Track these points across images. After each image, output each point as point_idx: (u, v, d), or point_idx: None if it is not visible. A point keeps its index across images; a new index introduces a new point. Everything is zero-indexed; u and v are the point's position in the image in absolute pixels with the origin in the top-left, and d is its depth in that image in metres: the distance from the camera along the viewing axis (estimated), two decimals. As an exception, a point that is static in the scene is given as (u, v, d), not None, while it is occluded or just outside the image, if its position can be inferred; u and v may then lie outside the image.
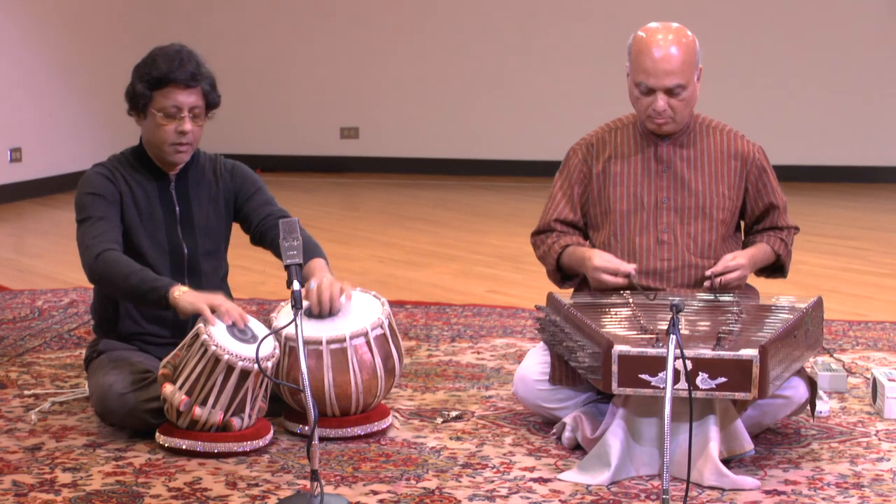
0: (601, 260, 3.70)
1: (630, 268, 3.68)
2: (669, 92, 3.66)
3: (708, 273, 3.69)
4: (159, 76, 3.69)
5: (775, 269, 3.91)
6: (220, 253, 3.96)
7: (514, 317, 5.30)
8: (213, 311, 3.53)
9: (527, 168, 10.19)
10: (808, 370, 4.09)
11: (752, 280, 3.96)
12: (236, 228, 3.98)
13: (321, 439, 3.43)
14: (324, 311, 3.68)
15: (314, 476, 3.06)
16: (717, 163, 3.79)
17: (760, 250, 3.82)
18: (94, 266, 3.65)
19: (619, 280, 3.68)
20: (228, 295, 3.91)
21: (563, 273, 3.91)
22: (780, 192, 3.87)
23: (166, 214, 3.83)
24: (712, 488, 3.25)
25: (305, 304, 3.68)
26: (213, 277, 3.88)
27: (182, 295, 3.55)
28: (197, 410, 3.48)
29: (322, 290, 3.67)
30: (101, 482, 3.33)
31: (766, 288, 3.97)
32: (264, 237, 3.88)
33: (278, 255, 3.75)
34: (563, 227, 3.88)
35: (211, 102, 3.77)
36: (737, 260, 3.70)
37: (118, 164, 3.83)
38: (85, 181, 3.79)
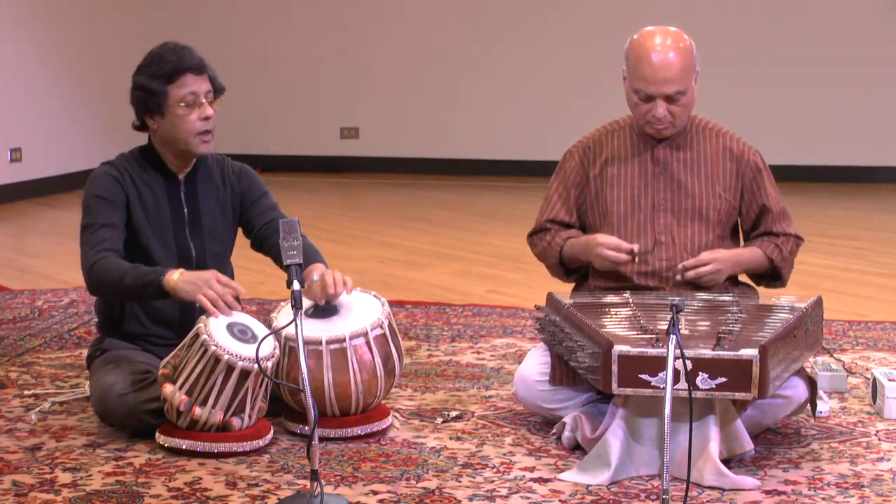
0: (604, 237, 3.71)
1: (632, 245, 3.68)
2: (669, 99, 3.65)
3: (680, 266, 3.68)
4: (172, 68, 3.69)
5: (773, 276, 3.87)
6: (227, 256, 3.96)
7: (514, 317, 5.30)
8: (213, 303, 3.53)
9: (527, 168, 10.19)
10: (808, 370, 4.09)
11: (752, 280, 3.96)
12: (239, 232, 3.98)
13: (321, 439, 3.42)
14: (328, 293, 3.67)
15: (314, 476, 3.06)
16: (713, 164, 3.78)
17: (749, 252, 3.79)
18: (90, 277, 3.66)
19: (622, 256, 3.67)
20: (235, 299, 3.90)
21: (566, 266, 3.91)
22: (776, 197, 3.83)
23: (174, 216, 3.82)
24: (712, 488, 3.25)
25: (306, 303, 3.68)
26: (220, 280, 3.88)
27: (178, 283, 3.55)
28: (197, 410, 3.48)
29: (325, 276, 3.66)
30: (101, 482, 3.33)
31: (765, 287, 3.97)
32: (265, 242, 3.87)
33: (278, 260, 3.76)
34: (558, 228, 3.89)
35: (218, 88, 3.78)
36: (712, 255, 3.68)
37: (126, 164, 3.81)
38: (93, 181, 3.78)
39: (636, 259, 3.70)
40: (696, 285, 3.72)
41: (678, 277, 3.69)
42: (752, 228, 3.85)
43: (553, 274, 3.97)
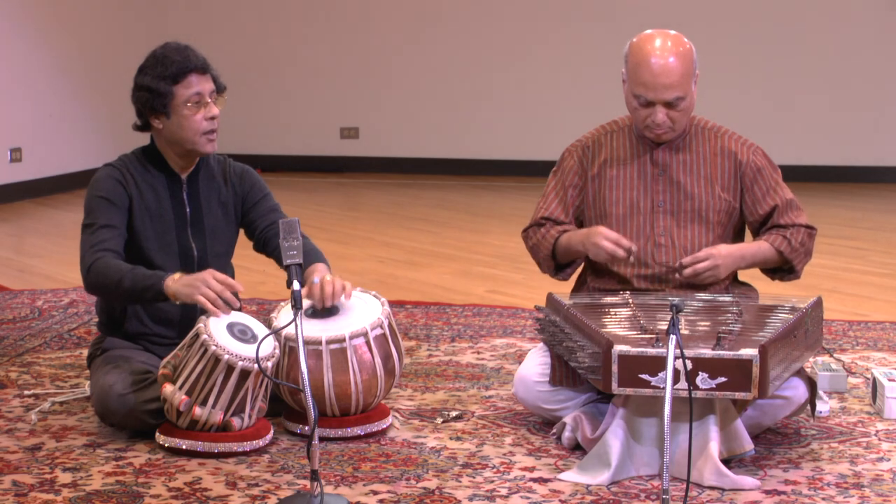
0: (607, 230, 3.68)
1: (632, 244, 3.66)
2: (668, 104, 3.64)
3: (677, 263, 3.66)
4: (178, 69, 3.69)
5: (786, 269, 3.81)
6: (229, 256, 3.96)
7: (514, 317, 5.30)
8: (212, 303, 3.53)
9: (527, 168, 10.19)
10: (808, 370, 4.09)
11: (754, 280, 3.95)
12: (241, 233, 3.98)
13: (321, 439, 3.43)
14: (325, 304, 3.68)
15: (314, 476, 3.06)
16: (711, 165, 3.77)
17: (754, 246, 3.74)
18: (88, 278, 3.65)
19: (619, 251, 3.64)
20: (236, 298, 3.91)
21: (557, 261, 3.89)
22: (782, 192, 3.77)
23: (177, 216, 3.82)
24: (712, 488, 3.25)
25: (306, 303, 3.69)
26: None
27: (177, 286, 3.55)
28: (197, 410, 3.48)
29: (325, 285, 3.67)
30: (101, 482, 3.33)
31: (766, 288, 3.97)
32: (267, 244, 3.88)
33: (280, 262, 3.75)
34: (553, 225, 3.88)
35: (220, 87, 3.79)
36: (710, 250, 3.64)
37: (129, 165, 3.81)
38: (96, 182, 3.78)
39: (631, 259, 3.68)
40: (696, 285, 3.72)
41: (676, 276, 3.68)
42: (761, 225, 3.79)
43: (542, 268, 3.93)
